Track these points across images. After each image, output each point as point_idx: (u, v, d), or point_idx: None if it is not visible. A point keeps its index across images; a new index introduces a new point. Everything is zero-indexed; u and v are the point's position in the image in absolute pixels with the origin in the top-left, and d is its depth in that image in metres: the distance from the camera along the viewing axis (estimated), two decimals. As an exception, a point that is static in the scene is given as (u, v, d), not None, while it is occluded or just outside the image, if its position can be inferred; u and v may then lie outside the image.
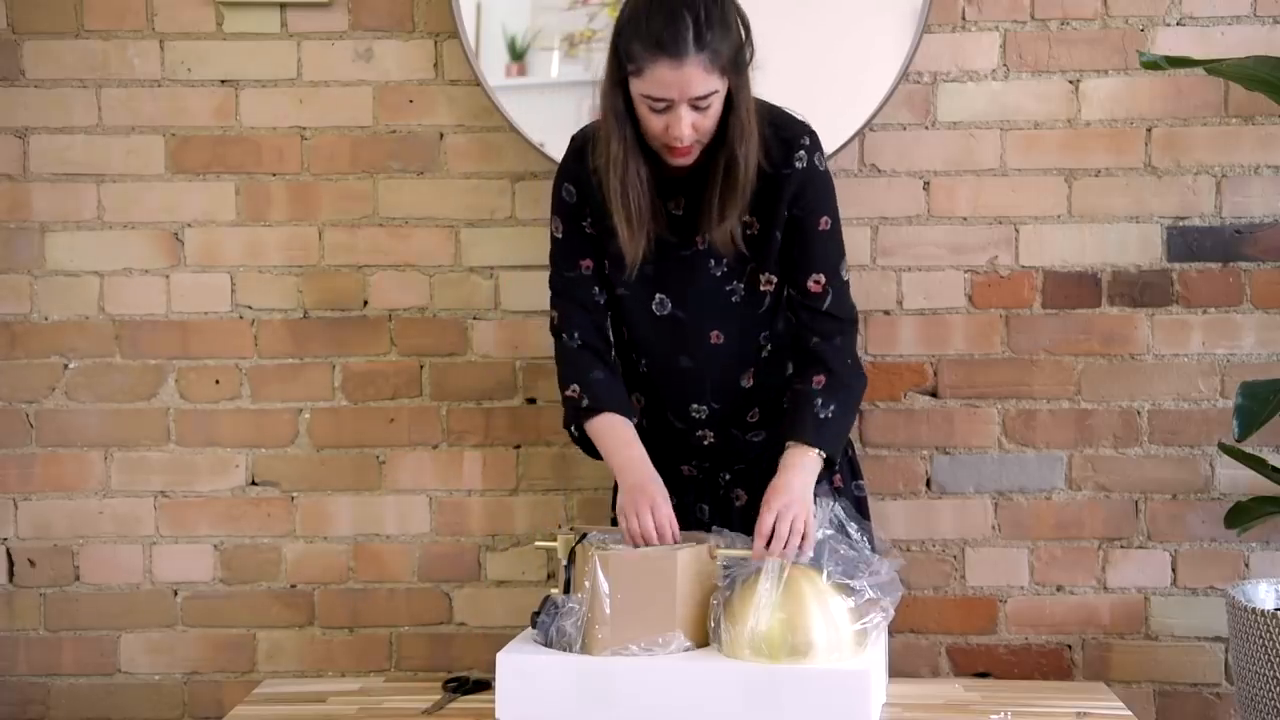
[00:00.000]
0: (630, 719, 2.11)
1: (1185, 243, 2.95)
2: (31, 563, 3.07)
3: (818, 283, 2.37)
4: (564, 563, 2.27)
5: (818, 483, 2.31)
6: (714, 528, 2.35)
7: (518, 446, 3.03)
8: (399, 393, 3.03)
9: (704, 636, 2.20)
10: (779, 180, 2.33)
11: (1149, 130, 2.94)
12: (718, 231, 2.31)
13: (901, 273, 2.98)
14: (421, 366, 3.03)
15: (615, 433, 2.39)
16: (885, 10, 2.89)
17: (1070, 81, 2.94)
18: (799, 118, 2.38)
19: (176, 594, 3.07)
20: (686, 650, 2.17)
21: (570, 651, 2.17)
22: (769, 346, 2.46)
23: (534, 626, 2.25)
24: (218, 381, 3.04)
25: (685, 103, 2.20)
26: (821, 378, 2.35)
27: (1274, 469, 2.78)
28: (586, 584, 2.17)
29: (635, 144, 2.28)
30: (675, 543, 2.26)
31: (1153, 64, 2.75)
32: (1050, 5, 2.93)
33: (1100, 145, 2.94)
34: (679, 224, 2.37)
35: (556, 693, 2.13)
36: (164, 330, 3.03)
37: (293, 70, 3.00)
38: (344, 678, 2.98)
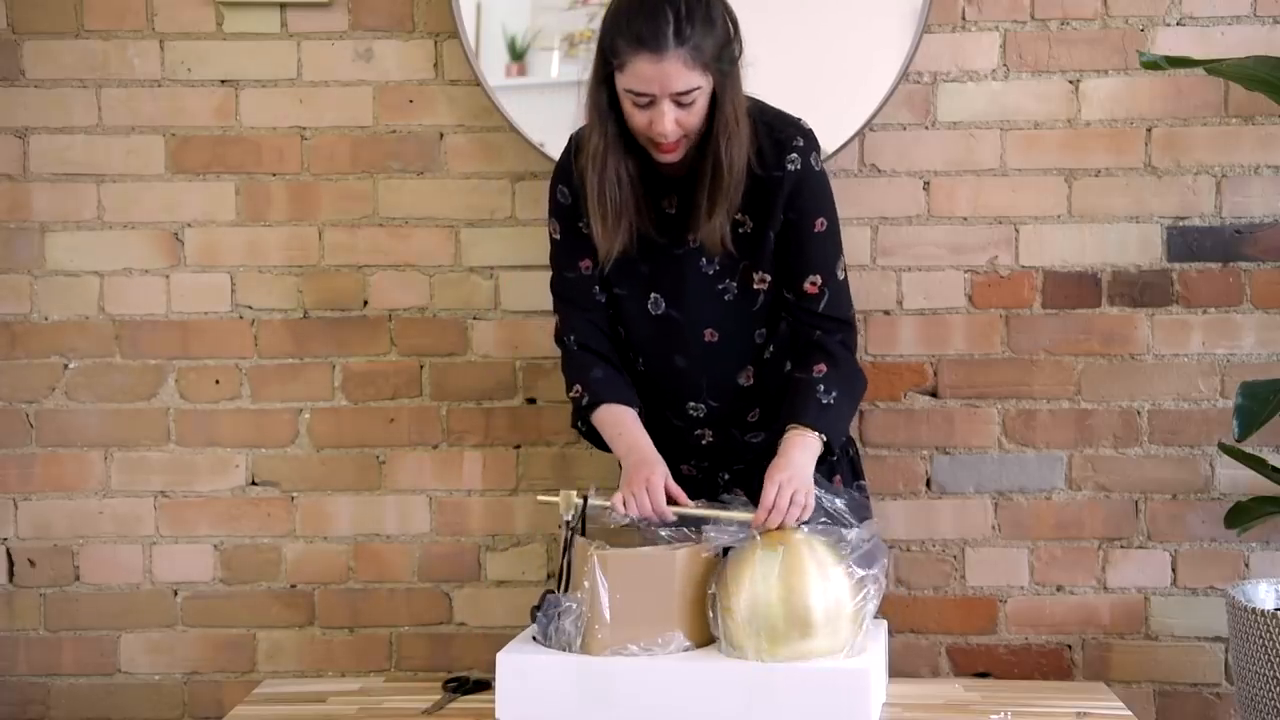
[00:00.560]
0: (630, 719, 2.11)
1: (1185, 243, 2.95)
2: (31, 563, 3.07)
3: (814, 284, 2.38)
4: (565, 519, 2.27)
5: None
6: (731, 492, 2.36)
7: (518, 446, 3.03)
8: (399, 393, 3.03)
9: (704, 636, 2.20)
10: (772, 181, 2.33)
11: (1149, 130, 2.94)
12: (705, 230, 2.31)
13: (901, 273, 2.98)
14: (421, 366, 3.03)
15: (616, 421, 2.40)
16: (885, 10, 2.89)
17: (1070, 81, 2.94)
18: (795, 118, 2.38)
19: (176, 594, 3.07)
20: (686, 650, 2.17)
21: (570, 651, 2.17)
22: (770, 347, 2.46)
23: (533, 622, 2.25)
24: (218, 381, 3.04)
25: (667, 98, 2.21)
26: (823, 366, 2.36)
27: (1274, 469, 2.78)
28: (585, 583, 2.17)
29: (617, 140, 2.29)
30: (668, 520, 2.26)
31: (1153, 64, 2.75)
32: (1050, 5, 2.93)
33: (1100, 145, 2.94)
34: (671, 222, 2.38)
35: (556, 693, 2.13)
36: (164, 330, 3.03)
37: (293, 70, 3.00)
38: (344, 678, 2.98)
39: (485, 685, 2.34)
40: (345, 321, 3.03)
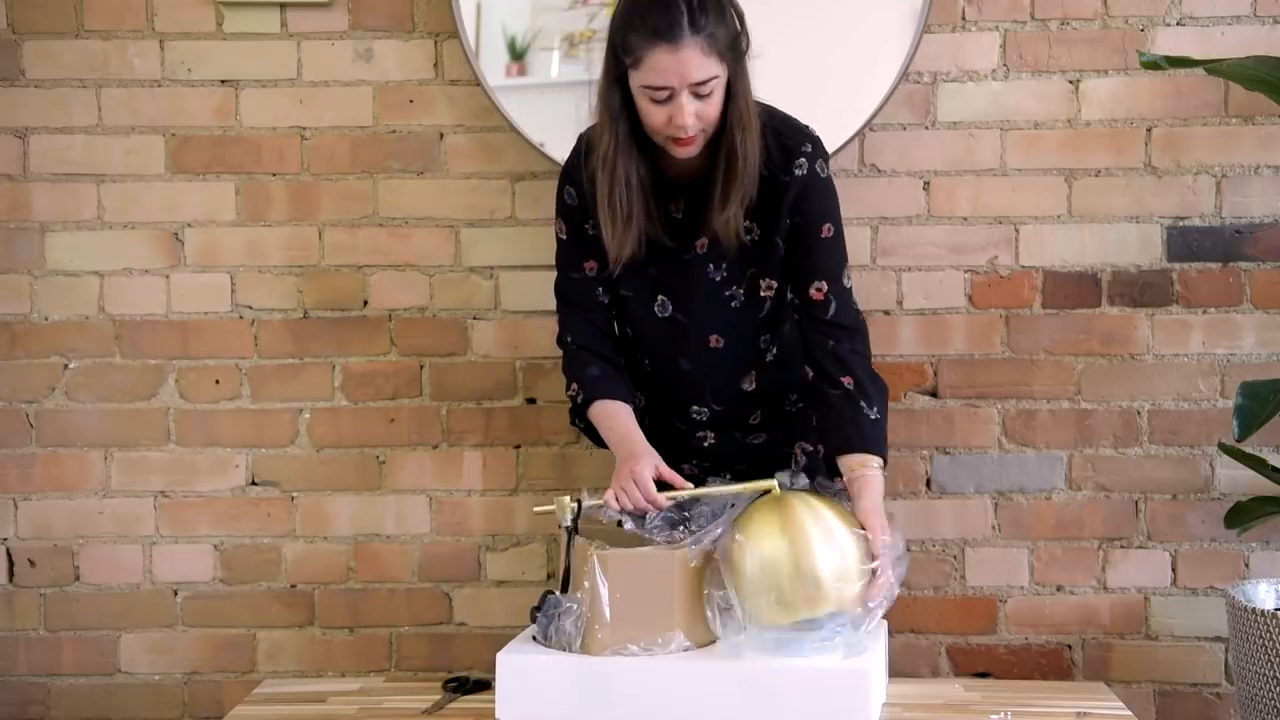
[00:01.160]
0: (630, 719, 2.11)
1: (1185, 243, 2.95)
2: (31, 563, 3.07)
3: (820, 290, 2.37)
4: (565, 524, 2.27)
5: (828, 480, 2.33)
6: (720, 476, 2.38)
7: (518, 446, 3.03)
8: (399, 393, 3.03)
9: (704, 636, 2.20)
10: (779, 186, 2.32)
11: (1149, 130, 2.94)
12: (719, 222, 2.30)
13: (901, 273, 2.98)
14: (421, 366, 3.03)
15: (609, 415, 2.41)
16: (885, 10, 2.89)
17: (1070, 81, 2.94)
18: (803, 124, 2.38)
19: (176, 594, 3.07)
20: (686, 650, 2.17)
21: (570, 651, 2.17)
22: (773, 351, 2.46)
23: (533, 622, 2.25)
24: (218, 381, 3.04)
25: (686, 90, 2.20)
26: (849, 379, 2.35)
27: (1274, 469, 2.78)
28: (586, 584, 2.17)
29: (629, 141, 2.29)
30: (663, 507, 2.27)
31: (1153, 64, 2.75)
32: (1050, 5, 2.93)
33: (1100, 145, 2.94)
34: (679, 227, 2.37)
35: (556, 693, 2.13)
36: (164, 330, 3.03)
37: (293, 70, 3.00)
38: (344, 678, 2.98)
39: (485, 685, 2.34)
40: (345, 321, 3.03)
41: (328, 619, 3.06)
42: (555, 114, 2.92)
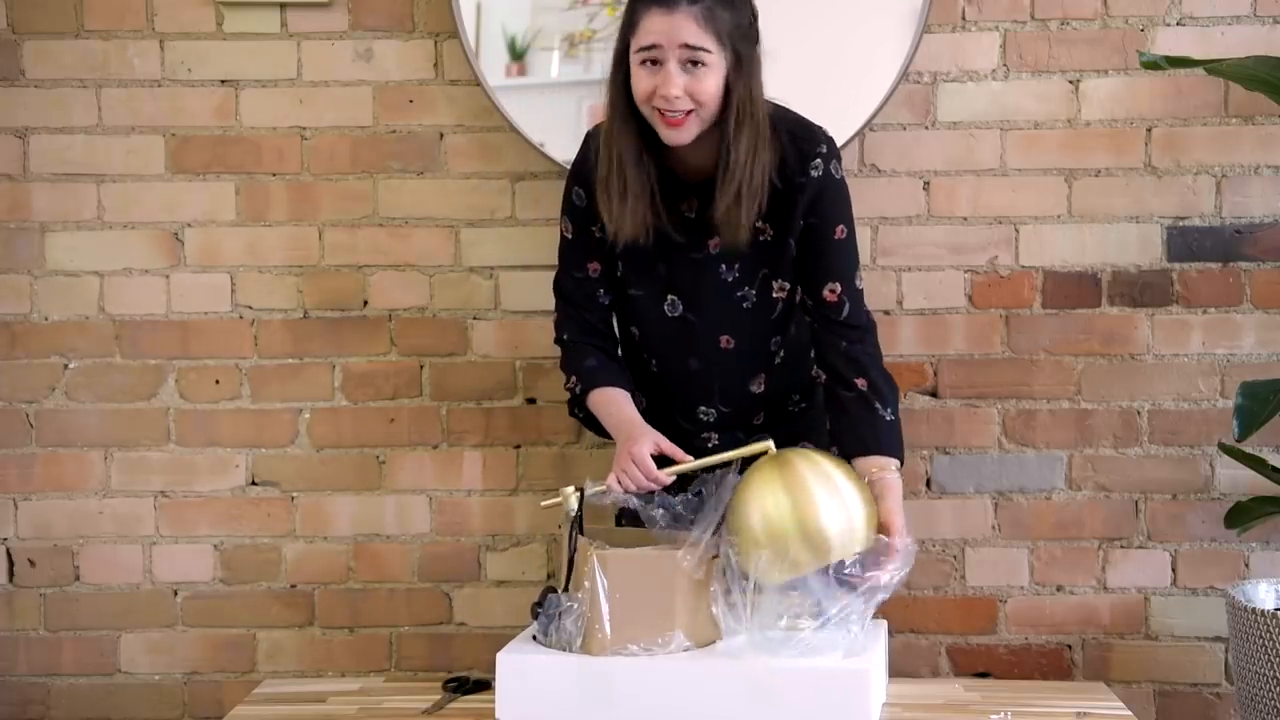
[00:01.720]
0: (630, 719, 2.11)
1: (1185, 243, 2.95)
2: (31, 563, 3.07)
3: (834, 292, 2.37)
4: (571, 512, 2.27)
5: None
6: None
7: (518, 446, 3.03)
8: (399, 393, 3.03)
9: (704, 636, 2.20)
10: (795, 188, 2.32)
11: (1149, 130, 2.94)
12: (718, 213, 2.30)
13: (901, 273, 2.98)
14: (421, 366, 3.03)
15: (607, 401, 2.42)
16: (885, 10, 2.89)
17: (1070, 81, 2.94)
18: (817, 125, 2.38)
19: (176, 594, 3.07)
20: (686, 650, 2.17)
21: (570, 651, 2.17)
22: (782, 353, 2.46)
23: (534, 618, 2.25)
24: (218, 381, 3.04)
25: (674, 55, 2.20)
26: (863, 380, 2.36)
27: (1274, 469, 2.78)
28: (586, 583, 2.17)
29: (629, 117, 2.29)
30: (664, 484, 2.28)
31: (1153, 64, 2.75)
32: (1050, 5, 2.93)
33: (1100, 145, 2.94)
34: (691, 227, 2.37)
35: (556, 693, 2.13)
36: (164, 330, 3.03)
37: (293, 70, 3.00)
38: (344, 678, 2.98)
39: (485, 685, 2.34)
40: (345, 321, 3.03)
41: (328, 619, 3.06)
42: (555, 114, 2.93)
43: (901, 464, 2.34)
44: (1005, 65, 2.94)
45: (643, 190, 2.31)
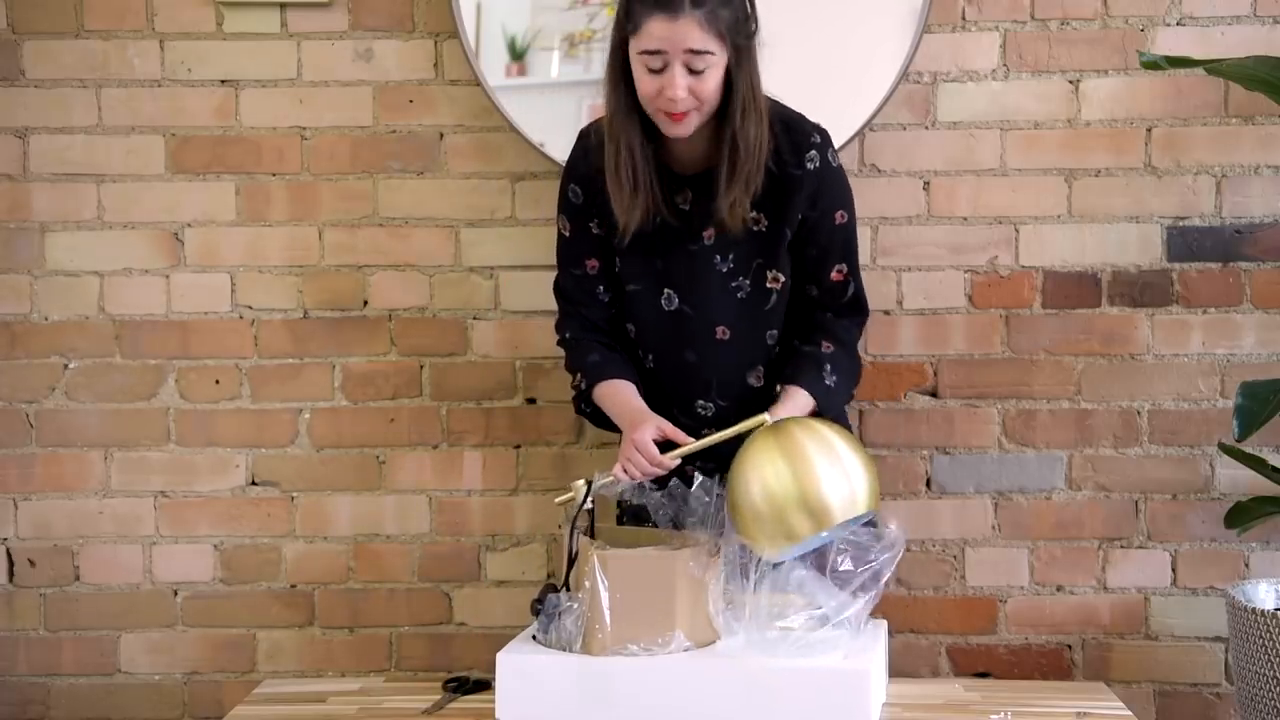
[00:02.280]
0: (630, 719, 2.11)
1: (1185, 243, 2.95)
2: (31, 563, 3.07)
3: (840, 272, 2.42)
4: (584, 505, 2.28)
5: None
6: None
7: (518, 446, 3.03)
8: (399, 393, 3.03)
9: (704, 636, 2.20)
10: (790, 180, 2.33)
11: (1149, 130, 2.94)
12: (724, 205, 2.31)
13: (901, 273, 2.98)
14: (421, 366, 3.03)
15: (612, 394, 2.44)
16: (885, 10, 2.89)
17: (1070, 81, 2.94)
18: (808, 118, 2.39)
19: (176, 594, 3.07)
20: (686, 650, 2.17)
21: (570, 651, 2.17)
22: (779, 346, 2.46)
23: (534, 615, 2.25)
24: (218, 381, 3.04)
25: (679, 60, 2.21)
26: (830, 345, 2.39)
27: (1274, 469, 2.78)
28: (586, 583, 2.17)
29: (631, 110, 2.30)
30: (669, 468, 2.29)
31: (1153, 64, 2.75)
32: (1050, 5, 2.93)
33: (1100, 145, 2.94)
34: (686, 218, 2.39)
35: (556, 693, 2.14)
36: (164, 330, 3.03)
37: (293, 70, 3.00)
38: (344, 678, 2.98)
39: (485, 685, 2.34)
40: (345, 321, 3.03)
41: (328, 619, 3.06)
42: (555, 114, 2.92)
43: (820, 414, 2.33)
44: (1005, 65, 2.94)
45: (648, 180, 2.34)
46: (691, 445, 2.31)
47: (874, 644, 2.22)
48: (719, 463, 2.50)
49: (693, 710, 2.11)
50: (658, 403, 2.50)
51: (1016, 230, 2.96)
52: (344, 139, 3.01)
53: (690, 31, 2.20)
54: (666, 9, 2.20)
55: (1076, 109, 2.94)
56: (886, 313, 2.97)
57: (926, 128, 2.96)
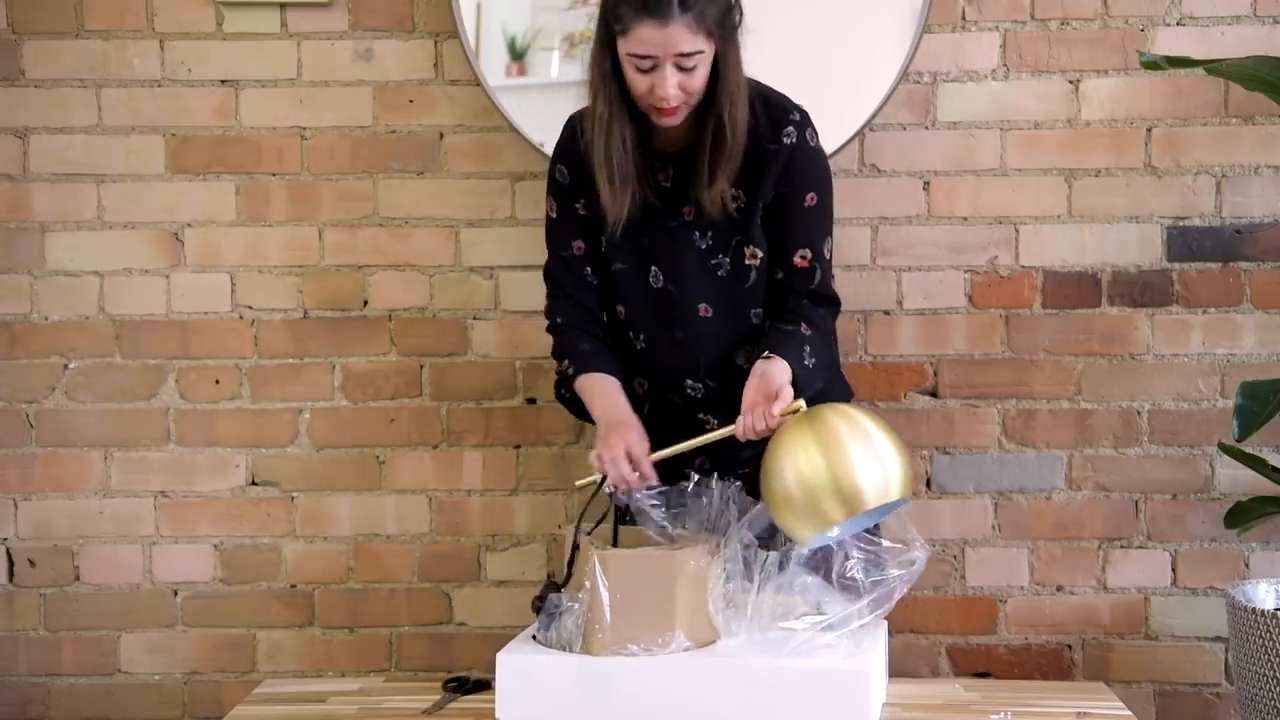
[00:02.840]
0: (630, 719, 2.11)
1: (1185, 243, 2.95)
2: (31, 563, 3.07)
3: (804, 258, 2.39)
4: (608, 492, 2.28)
5: None
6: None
7: (518, 446, 3.03)
8: (399, 393, 3.03)
9: (704, 636, 2.20)
10: (765, 155, 2.35)
11: (1149, 130, 2.94)
12: (708, 194, 2.33)
13: (901, 273, 2.98)
14: (421, 366, 3.03)
15: (595, 386, 2.43)
16: (885, 10, 2.89)
17: (1070, 81, 2.94)
18: (789, 98, 2.40)
19: (176, 594, 3.07)
20: (686, 650, 2.17)
21: (570, 651, 2.17)
22: (765, 325, 2.46)
23: (534, 611, 2.24)
24: (218, 381, 3.04)
25: (670, 62, 2.23)
26: (807, 329, 2.37)
27: (1274, 469, 2.78)
28: (586, 583, 2.17)
29: (621, 104, 2.31)
30: (648, 479, 2.28)
31: (1153, 64, 2.75)
32: (1050, 5, 2.93)
33: (1100, 145, 2.94)
34: (667, 195, 2.40)
35: (556, 693, 2.13)
36: (164, 330, 3.03)
37: (293, 70, 3.00)
38: (344, 678, 2.98)
39: (485, 685, 2.34)
40: (345, 321, 3.03)
41: (328, 619, 3.06)
42: (555, 114, 2.89)
43: (796, 393, 2.29)
44: (1005, 65, 2.94)
45: (634, 172, 2.35)
46: (671, 449, 2.31)
47: (874, 644, 2.21)
48: (717, 463, 2.51)
49: (693, 710, 2.11)
50: (653, 385, 2.51)
51: (1016, 230, 2.96)
52: (344, 139, 3.01)
53: (680, 35, 2.21)
54: (655, 15, 2.20)
55: (1076, 109, 2.94)
56: (886, 313, 2.98)
57: (926, 128, 2.96)
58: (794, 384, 2.30)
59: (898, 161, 2.96)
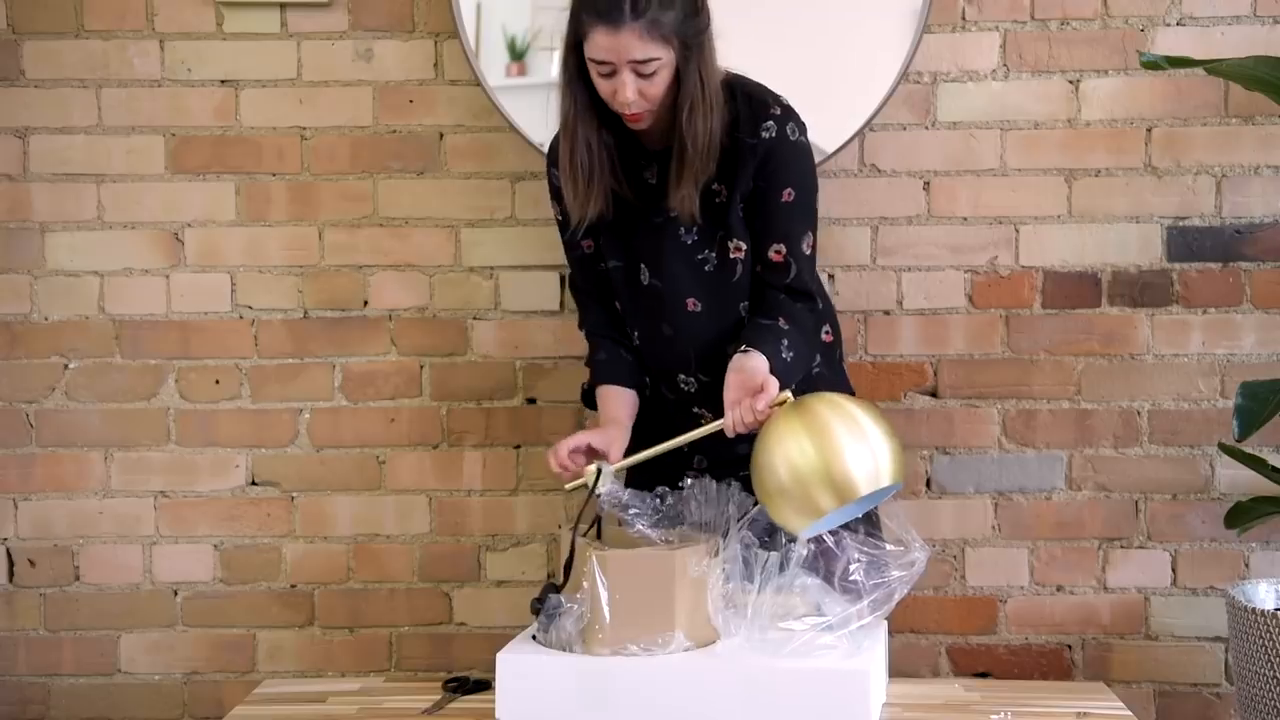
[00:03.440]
0: (630, 719, 2.11)
1: (1185, 243, 2.95)
2: (31, 563, 3.07)
3: (779, 253, 2.39)
4: (594, 492, 2.28)
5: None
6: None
7: (518, 446, 3.03)
8: (399, 393, 3.03)
9: (704, 636, 2.20)
10: (744, 149, 2.35)
11: (1149, 130, 2.94)
12: (674, 198, 2.34)
13: (901, 273, 2.98)
14: (421, 366, 3.03)
15: (602, 398, 2.48)
16: (885, 10, 2.89)
17: (1070, 81, 2.94)
18: (775, 92, 2.40)
19: (176, 594, 3.07)
20: (686, 650, 2.17)
21: (570, 651, 2.17)
22: None
23: (533, 613, 2.24)
24: (218, 381, 3.04)
25: (627, 68, 2.24)
26: (786, 323, 2.36)
27: (1274, 469, 2.78)
28: (585, 584, 2.17)
29: (589, 106, 2.33)
30: (559, 464, 2.33)
31: (1153, 64, 2.75)
32: (1050, 5, 2.93)
33: (1100, 145, 2.94)
34: (652, 192, 2.41)
35: (556, 693, 2.13)
36: (164, 330, 3.03)
37: (293, 70, 3.00)
38: (344, 678, 2.98)
39: (485, 685, 2.34)
40: (345, 321, 3.03)
41: (328, 619, 3.06)
42: (555, 114, 2.92)
43: (780, 385, 2.28)
44: (1005, 65, 2.94)
45: (604, 173, 2.36)
46: (641, 455, 2.31)
47: (874, 644, 2.21)
48: (716, 463, 2.51)
49: (692, 710, 2.11)
50: (651, 379, 2.51)
51: (1016, 230, 2.96)
52: (344, 139, 3.01)
53: (631, 43, 2.22)
54: (607, 20, 2.22)
55: (1076, 109, 2.94)
56: (886, 313, 2.98)
57: (926, 128, 2.96)
58: (775, 361, 2.31)
59: (898, 161, 2.96)
